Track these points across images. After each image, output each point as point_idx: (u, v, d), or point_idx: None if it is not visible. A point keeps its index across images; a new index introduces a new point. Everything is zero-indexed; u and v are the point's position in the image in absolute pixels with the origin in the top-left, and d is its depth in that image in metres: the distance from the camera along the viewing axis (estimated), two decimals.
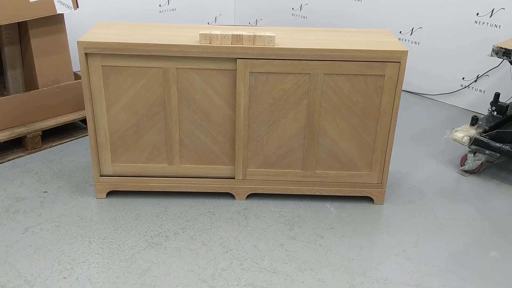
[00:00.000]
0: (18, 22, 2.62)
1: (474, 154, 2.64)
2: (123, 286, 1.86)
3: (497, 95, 2.86)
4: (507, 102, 2.89)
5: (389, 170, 2.38)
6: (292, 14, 4.30)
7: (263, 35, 2.08)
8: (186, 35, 2.19)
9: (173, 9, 4.27)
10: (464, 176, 2.69)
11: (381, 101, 2.19)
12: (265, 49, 2.09)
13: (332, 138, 2.27)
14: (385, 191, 2.38)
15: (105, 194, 2.36)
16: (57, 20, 2.74)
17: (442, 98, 3.65)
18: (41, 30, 2.69)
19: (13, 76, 2.79)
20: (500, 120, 2.78)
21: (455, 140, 2.67)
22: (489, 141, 2.58)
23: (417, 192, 2.52)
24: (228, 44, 2.09)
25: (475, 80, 3.45)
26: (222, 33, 2.08)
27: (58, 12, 2.66)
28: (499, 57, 2.50)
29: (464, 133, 2.65)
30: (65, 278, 1.89)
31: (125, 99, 2.19)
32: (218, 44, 2.08)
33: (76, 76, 2.91)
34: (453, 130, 2.70)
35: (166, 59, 2.11)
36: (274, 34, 2.09)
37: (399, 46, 2.15)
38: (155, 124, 2.24)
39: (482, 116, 2.87)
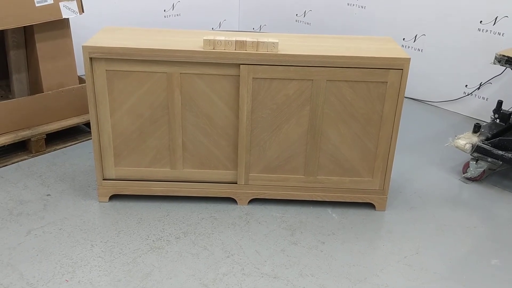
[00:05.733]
0: (24, 26, 2.64)
1: (476, 162, 2.64)
2: None
3: (500, 103, 2.86)
4: (510, 110, 2.90)
5: (391, 176, 2.38)
6: (296, 21, 4.32)
7: (266, 41, 2.09)
8: (190, 41, 2.20)
9: (177, 14, 4.29)
10: (466, 183, 2.69)
11: (384, 107, 2.19)
12: (268, 55, 2.10)
13: (334, 144, 2.27)
14: (387, 197, 2.38)
15: (108, 197, 2.37)
16: (63, 24, 2.76)
17: (445, 105, 3.65)
18: (46, 34, 2.72)
19: (18, 79, 2.81)
20: (503, 127, 2.78)
21: (457, 147, 2.67)
22: (492, 148, 2.58)
23: (419, 199, 2.52)
24: (231, 50, 2.10)
25: (478, 88, 3.45)
26: (226, 39, 2.09)
27: (64, 16, 2.68)
28: (502, 65, 2.51)
29: (467, 140, 2.65)
30: (67, 281, 1.90)
31: (129, 103, 2.21)
32: (222, 50, 2.10)
33: (81, 80, 2.93)
34: (456, 137, 2.70)
35: (170, 64, 2.13)
36: (277, 40, 2.11)
37: (401, 53, 2.15)
38: (158, 129, 2.26)
39: (485, 123, 2.87)
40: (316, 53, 2.12)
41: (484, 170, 2.65)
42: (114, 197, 2.39)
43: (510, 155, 2.53)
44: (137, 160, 2.32)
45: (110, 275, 1.93)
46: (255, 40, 2.10)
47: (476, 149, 2.62)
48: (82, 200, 2.39)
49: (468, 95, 3.52)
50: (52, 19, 2.65)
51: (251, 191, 2.37)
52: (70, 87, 2.86)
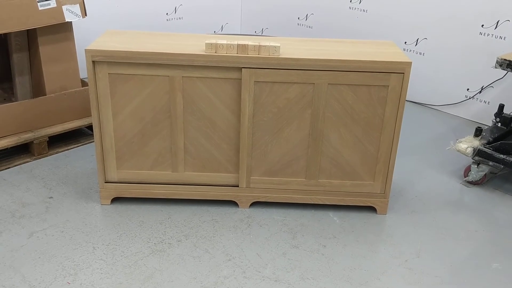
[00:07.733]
0: (27, 29, 2.66)
1: (477, 165, 2.64)
2: None
3: (501, 107, 2.86)
4: (511, 114, 2.90)
5: (392, 180, 2.38)
6: (298, 24, 4.33)
7: (268, 45, 2.10)
8: (192, 44, 2.21)
9: (180, 18, 4.31)
10: (468, 187, 2.69)
11: (385, 111, 2.20)
12: (270, 58, 2.11)
13: (336, 147, 2.28)
14: (388, 201, 2.38)
15: (110, 200, 2.38)
16: (66, 28, 2.77)
17: (446, 109, 3.65)
18: (49, 37, 2.73)
19: (21, 82, 2.82)
20: (504, 131, 2.78)
21: (459, 151, 2.67)
22: (493, 152, 2.58)
23: (420, 203, 2.52)
24: (233, 53, 2.11)
25: (480, 91, 3.45)
26: (228, 42, 2.10)
27: (67, 20, 2.69)
28: (503, 69, 2.51)
29: (468, 144, 2.65)
30: (69, 283, 1.90)
31: (131, 106, 2.21)
32: (224, 54, 2.11)
33: (83, 83, 2.94)
34: (457, 141, 2.71)
35: (172, 67, 2.14)
36: (279, 44, 2.12)
37: (403, 57, 2.16)
38: (160, 131, 2.27)
39: (486, 127, 2.87)
40: (317, 56, 2.12)
41: (486, 174, 2.65)
42: (116, 199, 2.40)
43: (511, 158, 2.53)
44: (139, 163, 2.32)
45: (111, 277, 1.94)
46: (257, 43, 2.11)
47: (478, 152, 2.62)
48: (84, 203, 2.39)
49: (469, 98, 3.52)
50: (55, 22, 2.66)
51: (253, 194, 2.38)
52: (73, 90, 2.87)
